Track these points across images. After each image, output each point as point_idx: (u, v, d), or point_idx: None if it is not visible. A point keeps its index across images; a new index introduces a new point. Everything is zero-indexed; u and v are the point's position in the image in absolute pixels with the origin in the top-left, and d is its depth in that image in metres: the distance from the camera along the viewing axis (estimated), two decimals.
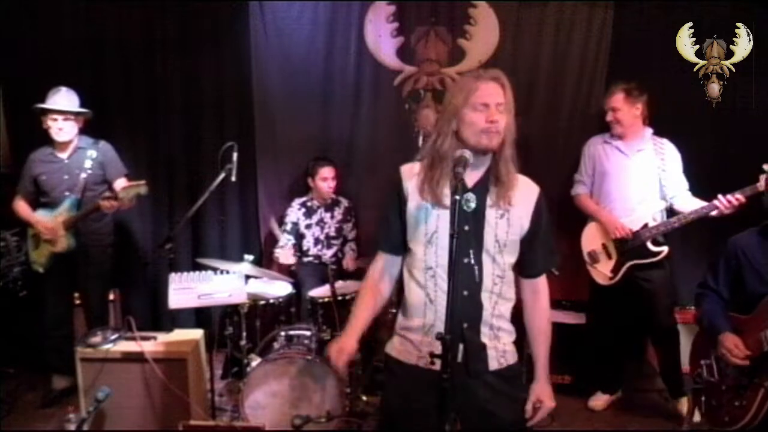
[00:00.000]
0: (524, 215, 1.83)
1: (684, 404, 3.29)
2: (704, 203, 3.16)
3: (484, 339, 1.82)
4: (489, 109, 1.73)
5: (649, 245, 3.28)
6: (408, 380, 1.87)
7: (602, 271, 3.40)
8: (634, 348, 3.75)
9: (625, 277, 3.33)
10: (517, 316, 1.97)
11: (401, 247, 1.89)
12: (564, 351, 3.66)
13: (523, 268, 1.91)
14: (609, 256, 3.38)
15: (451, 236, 1.55)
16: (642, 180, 3.33)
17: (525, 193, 1.84)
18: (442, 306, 1.75)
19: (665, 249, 3.28)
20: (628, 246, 3.30)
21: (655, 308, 3.32)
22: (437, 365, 1.65)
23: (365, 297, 1.95)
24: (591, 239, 3.46)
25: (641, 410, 3.55)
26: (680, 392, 3.38)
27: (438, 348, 1.62)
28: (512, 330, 1.91)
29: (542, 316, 1.96)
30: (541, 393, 1.89)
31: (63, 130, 3.37)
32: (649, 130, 3.38)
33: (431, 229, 1.80)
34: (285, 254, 3.82)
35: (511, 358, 1.88)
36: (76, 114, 3.41)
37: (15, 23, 3.98)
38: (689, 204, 3.24)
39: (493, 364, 1.83)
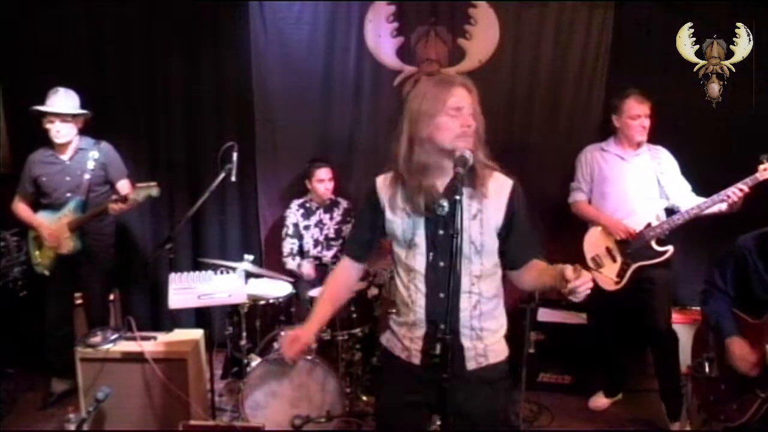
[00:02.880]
0: (497, 211, 1.84)
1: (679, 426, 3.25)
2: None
3: (464, 340, 1.84)
4: (462, 114, 1.77)
5: (654, 245, 3.24)
6: (392, 370, 1.98)
7: (608, 276, 3.31)
8: (634, 349, 3.74)
9: (631, 280, 3.27)
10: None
11: (364, 257, 2.01)
12: (564, 351, 3.68)
13: (506, 262, 1.93)
14: (613, 260, 3.33)
15: (451, 236, 1.60)
16: (641, 181, 3.31)
17: (497, 188, 1.85)
18: (420, 306, 1.85)
19: (670, 248, 3.23)
20: (633, 247, 3.26)
21: (653, 309, 3.27)
22: (418, 360, 1.85)
23: (326, 291, 2.07)
24: (594, 244, 3.40)
25: (641, 410, 3.55)
26: (678, 413, 3.27)
27: (418, 344, 1.85)
28: (499, 327, 1.93)
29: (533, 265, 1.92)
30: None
31: (61, 132, 3.36)
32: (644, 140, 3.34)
33: (408, 236, 1.86)
34: (307, 268, 3.79)
35: (494, 357, 1.88)
36: (74, 116, 3.40)
37: (15, 23, 3.98)
38: (694, 204, 3.19)
39: (471, 364, 1.85)
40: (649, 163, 3.32)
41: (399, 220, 1.87)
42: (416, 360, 1.86)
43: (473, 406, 1.83)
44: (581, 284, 1.61)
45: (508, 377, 1.95)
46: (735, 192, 2.99)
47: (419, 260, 1.84)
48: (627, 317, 3.42)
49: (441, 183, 1.83)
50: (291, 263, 3.89)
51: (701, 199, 3.19)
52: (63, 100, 3.36)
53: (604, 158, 3.41)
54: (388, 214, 1.88)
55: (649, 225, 3.26)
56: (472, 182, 1.80)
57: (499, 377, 1.90)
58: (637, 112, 3.25)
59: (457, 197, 1.62)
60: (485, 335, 1.87)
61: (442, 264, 1.80)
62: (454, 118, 1.76)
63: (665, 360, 3.33)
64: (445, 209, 1.69)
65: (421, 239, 1.83)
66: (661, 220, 3.27)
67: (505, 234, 1.86)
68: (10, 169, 4.02)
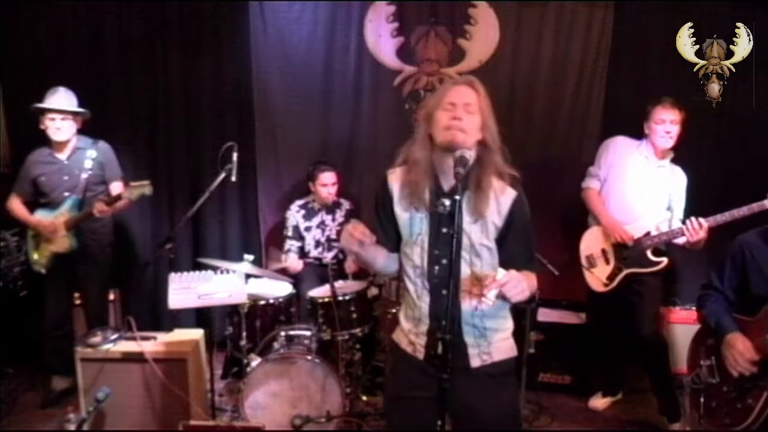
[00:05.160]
0: (497, 218, 1.86)
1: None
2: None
3: (467, 338, 1.88)
4: (455, 108, 1.79)
5: (649, 254, 3.22)
6: (400, 363, 2.01)
7: (598, 277, 3.32)
8: (633, 349, 3.74)
9: (621, 285, 3.26)
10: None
11: (396, 248, 1.99)
12: (564, 351, 3.68)
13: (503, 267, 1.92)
14: (606, 262, 3.31)
15: (452, 236, 1.65)
16: (655, 190, 3.26)
17: (500, 197, 1.86)
18: (425, 303, 1.89)
19: (665, 260, 3.21)
20: (628, 253, 3.24)
21: (639, 313, 3.24)
22: (422, 355, 1.89)
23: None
24: (591, 243, 3.39)
25: (641, 410, 3.55)
26: (677, 415, 3.26)
27: (423, 339, 1.89)
28: (504, 326, 1.96)
29: None
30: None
31: (61, 129, 3.37)
32: (671, 153, 3.30)
33: (416, 231, 1.89)
34: (292, 261, 3.82)
35: (498, 355, 1.91)
36: (74, 114, 3.41)
37: (15, 23, 3.98)
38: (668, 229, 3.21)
39: (476, 362, 1.88)
40: (668, 177, 3.27)
41: (406, 216, 1.90)
42: (420, 355, 1.91)
43: (478, 401, 1.87)
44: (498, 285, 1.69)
45: (513, 372, 1.98)
46: (694, 226, 2.99)
47: (424, 257, 1.87)
48: (622, 320, 3.40)
49: (446, 182, 1.86)
50: (283, 258, 3.89)
51: (676, 226, 3.19)
52: (63, 99, 3.38)
53: (631, 153, 3.31)
54: (397, 209, 1.92)
55: (648, 234, 3.23)
56: (478, 187, 1.81)
57: (504, 371, 1.94)
58: (661, 117, 3.17)
59: (457, 197, 1.65)
60: (489, 334, 1.90)
61: (444, 261, 1.83)
62: (447, 112, 1.80)
63: (653, 366, 3.32)
64: (446, 208, 1.73)
65: (425, 236, 1.87)
66: (661, 231, 3.23)
67: (502, 241, 1.88)
68: (9, 168, 4.02)
